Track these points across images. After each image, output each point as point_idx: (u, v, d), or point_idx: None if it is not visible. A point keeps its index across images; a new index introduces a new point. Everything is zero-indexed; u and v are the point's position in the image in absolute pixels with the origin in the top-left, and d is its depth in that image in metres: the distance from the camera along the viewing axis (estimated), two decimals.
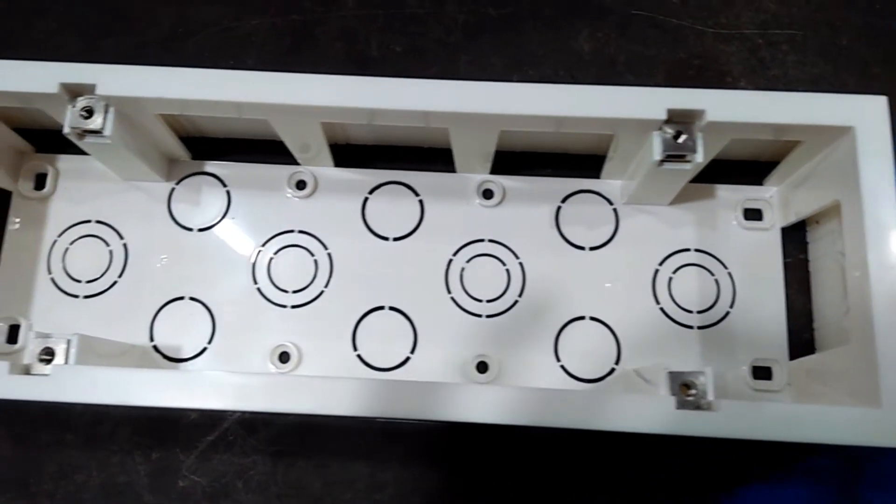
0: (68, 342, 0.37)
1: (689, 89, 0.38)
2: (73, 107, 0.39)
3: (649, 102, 0.38)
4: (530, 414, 0.35)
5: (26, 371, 0.36)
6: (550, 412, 0.35)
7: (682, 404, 0.35)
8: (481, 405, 0.35)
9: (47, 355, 0.37)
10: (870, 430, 0.35)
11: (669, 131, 0.39)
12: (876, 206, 0.37)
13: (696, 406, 0.36)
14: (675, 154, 0.39)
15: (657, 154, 0.39)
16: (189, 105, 0.39)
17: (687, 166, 0.39)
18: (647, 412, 0.35)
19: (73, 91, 0.39)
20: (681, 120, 0.38)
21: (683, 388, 0.36)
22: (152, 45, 0.50)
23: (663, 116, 0.38)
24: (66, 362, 0.36)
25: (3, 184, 0.46)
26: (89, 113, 0.39)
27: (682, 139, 0.39)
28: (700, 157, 0.39)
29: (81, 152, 0.46)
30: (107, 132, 0.39)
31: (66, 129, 0.39)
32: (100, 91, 0.38)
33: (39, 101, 0.40)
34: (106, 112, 0.39)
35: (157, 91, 0.38)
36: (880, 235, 0.37)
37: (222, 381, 0.36)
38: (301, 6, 0.51)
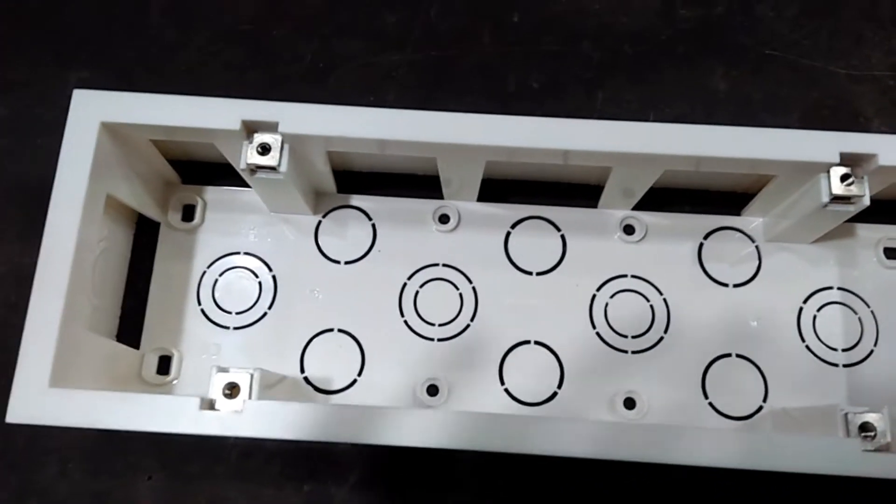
0: (251, 376, 0.37)
1: (862, 134, 0.39)
2: (250, 143, 0.40)
3: (822, 146, 0.39)
4: (725, 455, 0.35)
5: (210, 406, 0.36)
6: (755, 454, 0.35)
7: (865, 446, 0.36)
8: (672, 445, 0.35)
9: (230, 389, 0.37)
10: None
11: (838, 173, 0.39)
12: None
13: (878, 448, 0.36)
14: (842, 196, 0.39)
15: (825, 196, 0.39)
16: (366, 144, 0.40)
17: (851, 208, 0.40)
18: (831, 454, 0.35)
19: (251, 128, 0.40)
20: (850, 163, 0.39)
21: (860, 430, 0.37)
22: (295, 79, 0.50)
23: (836, 160, 0.39)
24: (250, 397, 0.37)
25: (152, 214, 0.46)
26: (265, 149, 0.40)
27: (849, 182, 0.39)
28: (867, 200, 0.39)
29: (227, 183, 0.47)
30: (282, 169, 0.40)
31: (242, 166, 0.40)
32: (282, 129, 0.39)
33: (216, 136, 0.40)
34: (282, 149, 0.40)
35: (340, 130, 0.39)
36: None
37: (426, 418, 0.36)
38: (438, 42, 0.51)
